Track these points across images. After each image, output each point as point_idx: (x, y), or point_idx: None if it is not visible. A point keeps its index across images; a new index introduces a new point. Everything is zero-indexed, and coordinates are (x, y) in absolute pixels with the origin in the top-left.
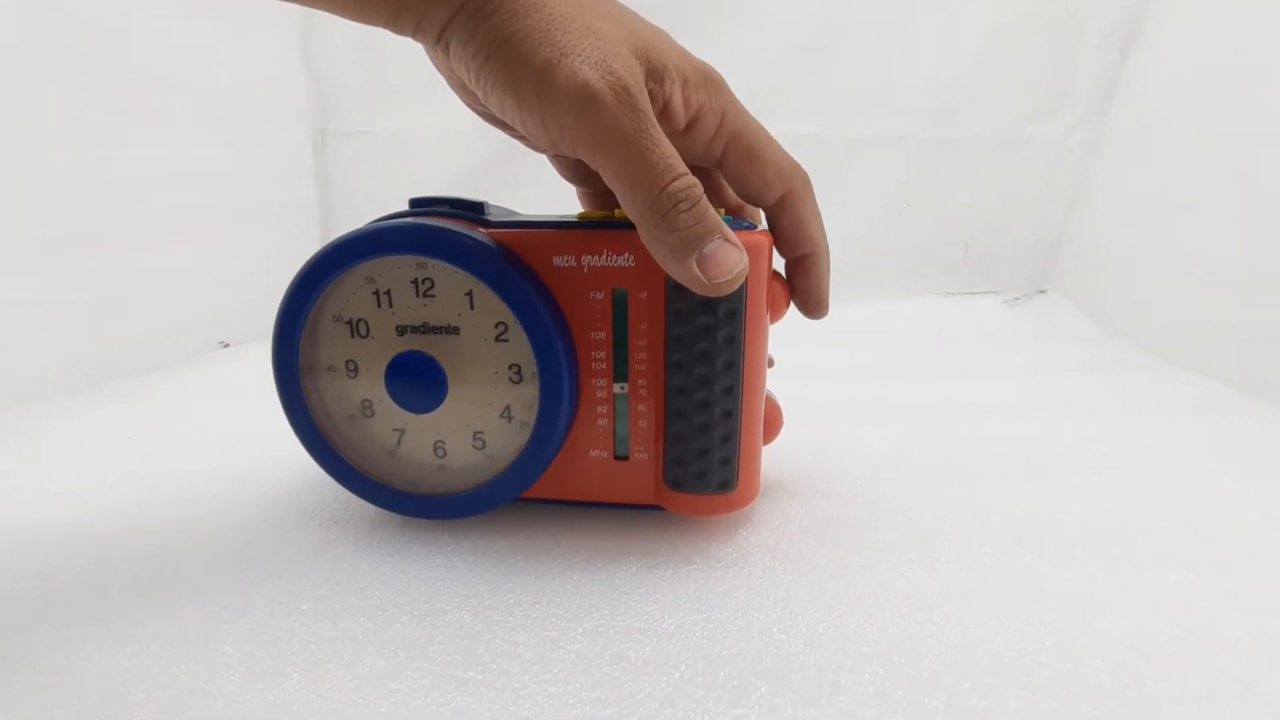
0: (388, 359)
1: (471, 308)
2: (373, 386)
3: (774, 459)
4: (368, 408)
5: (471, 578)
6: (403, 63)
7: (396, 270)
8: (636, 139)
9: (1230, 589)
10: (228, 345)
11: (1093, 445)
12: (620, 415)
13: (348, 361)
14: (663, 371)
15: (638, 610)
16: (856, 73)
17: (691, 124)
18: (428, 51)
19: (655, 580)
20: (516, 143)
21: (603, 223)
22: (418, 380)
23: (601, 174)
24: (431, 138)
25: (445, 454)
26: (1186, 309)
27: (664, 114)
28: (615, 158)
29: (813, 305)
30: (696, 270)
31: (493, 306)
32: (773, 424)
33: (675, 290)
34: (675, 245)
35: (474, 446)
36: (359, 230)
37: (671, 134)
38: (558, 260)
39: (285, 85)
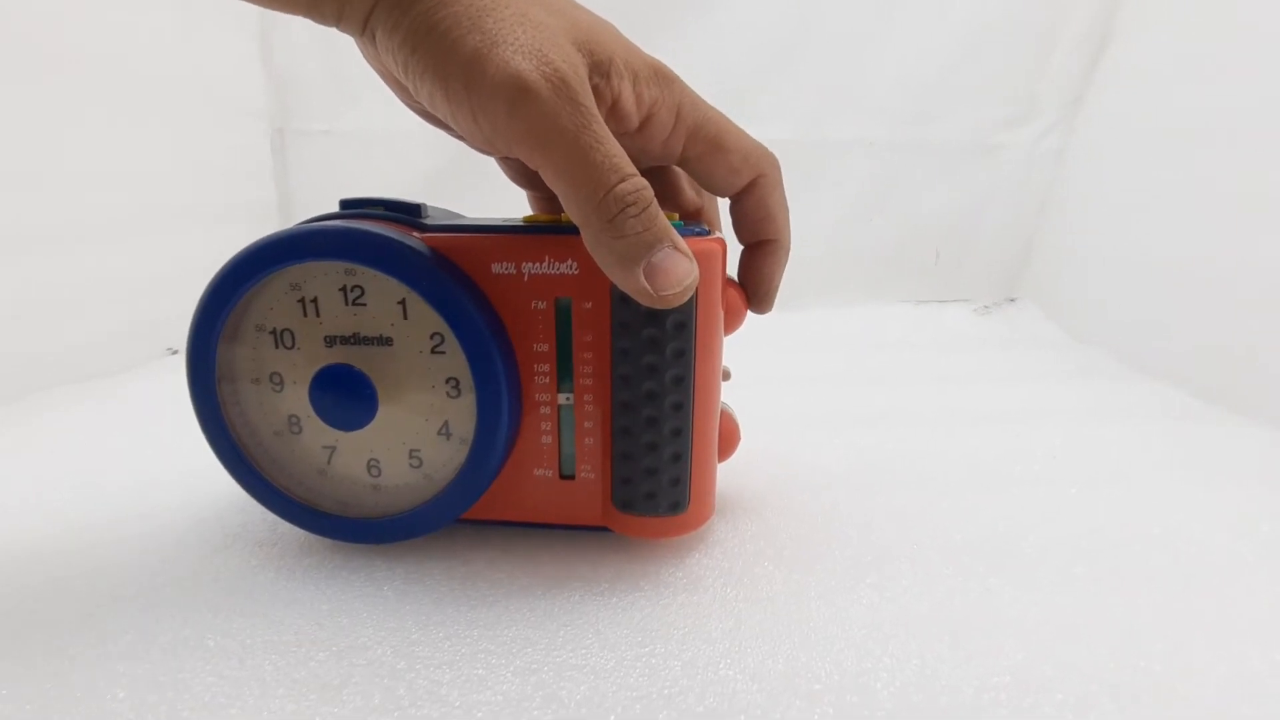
0: (314, 372)
1: (405, 318)
2: (299, 401)
3: (732, 473)
4: (295, 423)
5: (400, 608)
6: (365, 60)
7: (323, 277)
8: (578, 136)
9: (1200, 612)
10: (176, 352)
11: (1058, 456)
12: (565, 432)
13: (273, 374)
14: (609, 386)
15: (575, 643)
16: (825, 75)
17: (646, 122)
18: (357, 44)
19: (598, 609)
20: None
21: (546, 227)
22: (344, 396)
23: (542, 175)
24: (396, 137)
25: (380, 473)
26: (1154, 316)
27: (613, 113)
28: (555, 156)
29: (759, 297)
30: (643, 280)
31: (427, 317)
32: (728, 440)
33: (620, 300)
34: (621, 253)
35: (410, 465)
36: (279, 233)
37: (624, 135)
38: (496, 267)
39: (242, 81)
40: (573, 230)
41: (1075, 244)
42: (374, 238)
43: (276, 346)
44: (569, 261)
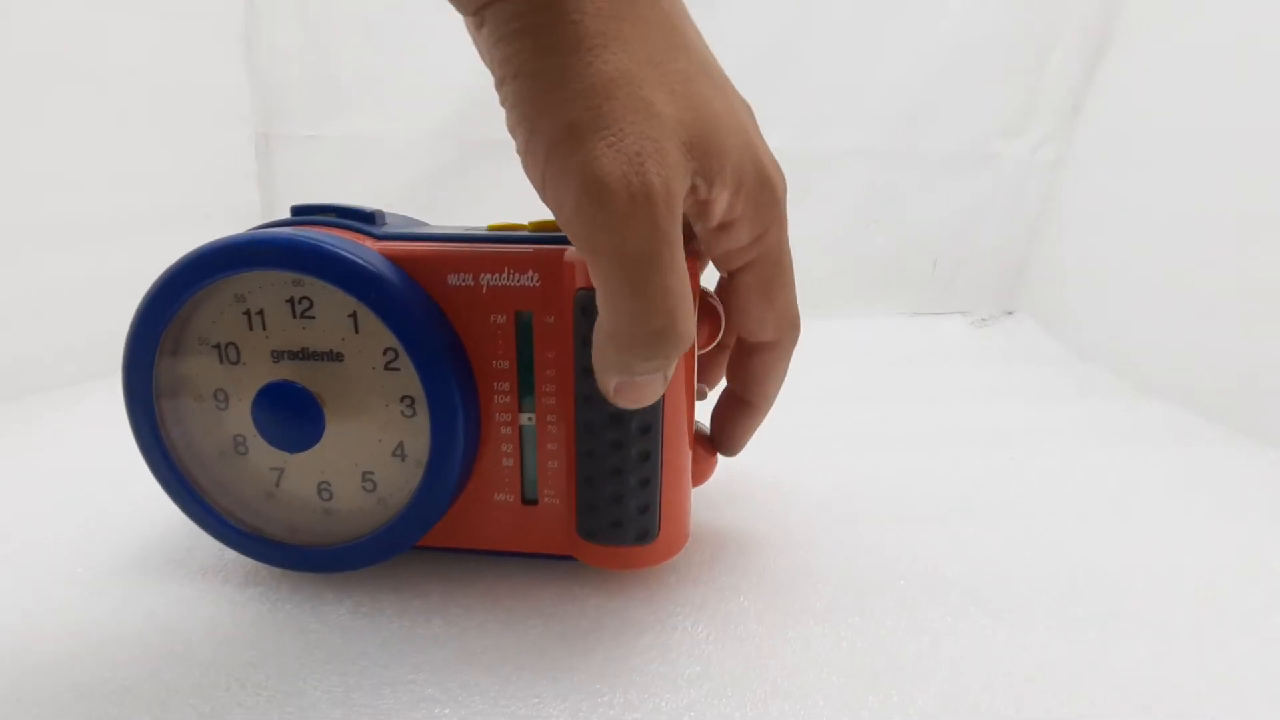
0: (257, 389)
1: (356, 331)
2: (245, 420)
3: (709, 497)
4: (241, 443)
5: (345, 649)
6: (353, 64)
7: (269, 288)
8: (640, 260)
9: (1206, 664)
10: None
11: (1057, 482)
12: (528, 455)
13: (217, 391)
14: (574, 406)
15: (528, 691)
16: (819, 84)
17: (722, 228)
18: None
19: (556, 649)
20: (474, 148)
21: (509, 236)
22: (288, 415)
23: (588, 268)
24: (383, 143)
25: (331, 496)
26: (1155, 331)
27: (697, 210)
28: (606, 269)
29: (725, 445)
30: (610, 387)
31: (379, 331)
32: (704, 464)
33: (583, 314)
34: (612, 366)
35: (364, 488)
36: (219, 241)
37: (692, 225)
38: (453, 279)
39: (226, 84)
40: (536, 240)
41: (1074, 256)
42: (319, 247)
43: (221, 361)
44: (529, 273)
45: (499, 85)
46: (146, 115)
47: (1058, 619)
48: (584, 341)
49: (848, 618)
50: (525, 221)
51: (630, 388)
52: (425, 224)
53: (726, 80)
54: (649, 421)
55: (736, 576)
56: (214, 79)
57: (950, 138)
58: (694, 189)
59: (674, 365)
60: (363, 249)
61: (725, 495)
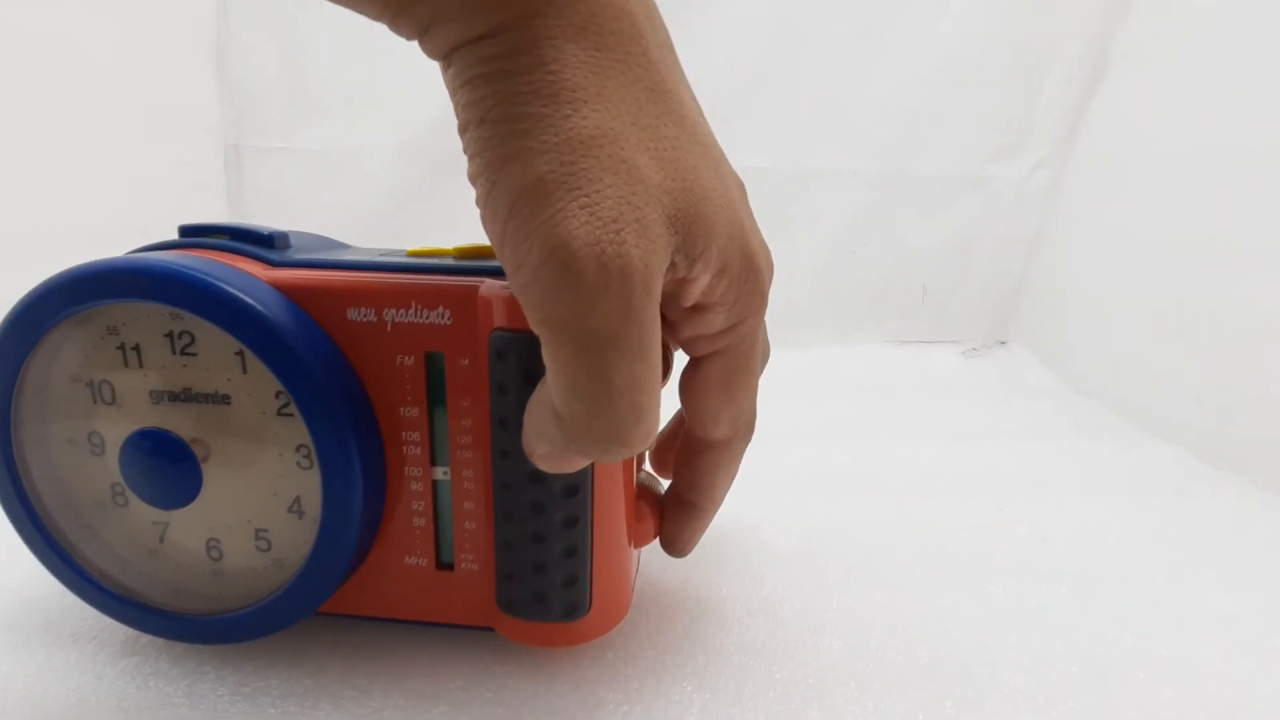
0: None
1: (244, 372)
2: None
3: (658, 555)
4: (120, 493)
5: None
6: (326, 75)
7: (145, 320)
8: (605, 343)
9: None
10: None
11: (1050, 540)
12: (442, 514)
13: (91, 434)
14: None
15: None
16: (806, 102)
17: (697, 309)
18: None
19: None
20: (449, 164)
21: (423, 265)
22: (158, 467)
23: (541, 340)
24: (357, 156)
25: (221, 556)
26: (1157, 366)
27: (671, 288)
28: (563, 348)
29: (671, 547)
30: (536, 452)
31: (270, 372)
32: (650, 522)
33: (498, 358)
34: (543, 439)
35: (257, 548)
36: (84, 266)
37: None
38: (353, 313)
39: (195, 94)
40: (457, 270)
41: (1070, 283)
42: (192, 278)
43: (95, 401)
44: (440, 309)
45: (462, 131)
46: (111, 125)
47: (1049, 718)
48: (500, 388)
49: (805, 710)
50: (450, 247)
51: (559, 460)
52: (345, 246)
53: (721, 155)
54: (576, 483)
55: (682, 656)
56: (182, 88)
57: (942, 159)
58: (672, 266)
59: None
60: (248, 280)
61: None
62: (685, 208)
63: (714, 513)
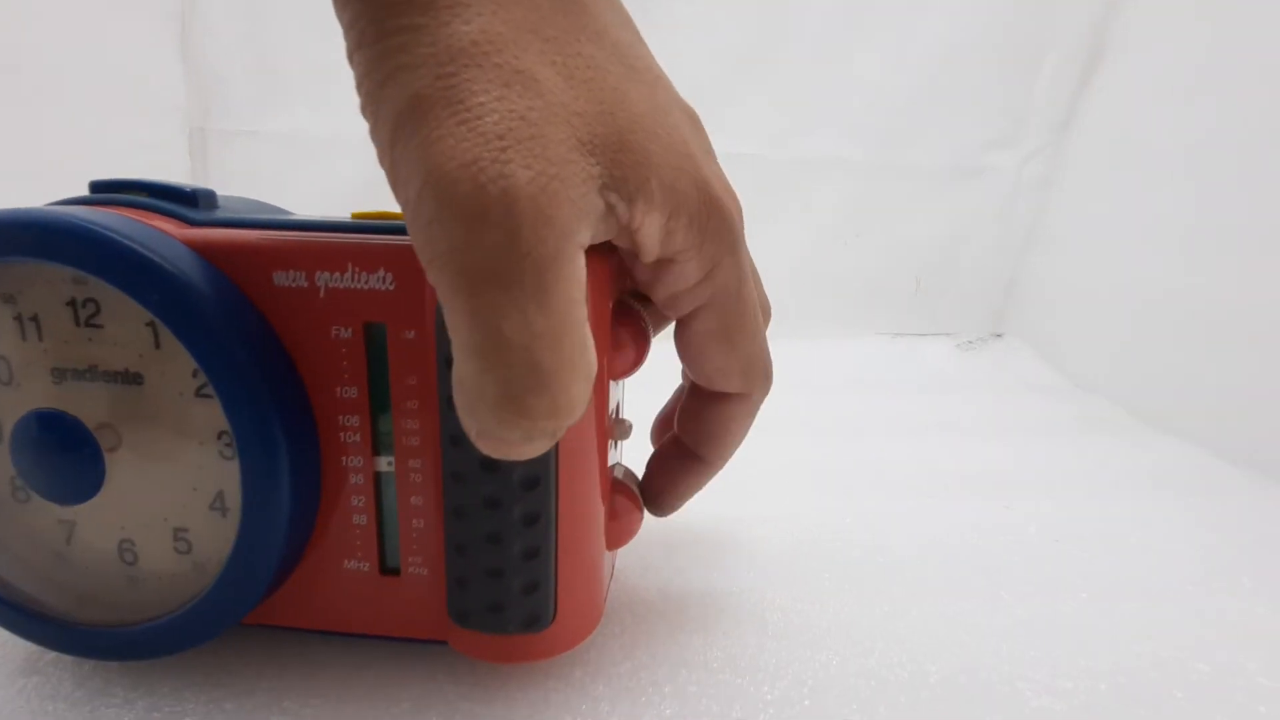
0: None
1: (157, 347)
2: None
3: (640, 548)
4: (20, 488)
5: None
6: (295, 57)
7: (43, 286)
8: (486, 282)
9: None
10: None
11: (1064, 542)
12: (387, 511)
13: None
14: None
15: None
16: (797, 89)
17: (662, 265)
18: None
19: None
20: None
21: (366, 225)
22: (54, 456)
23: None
24: (328, 141)
25: (135, 559)
26: (1159, 358)
27: (625, 242)
28: (446, 294)
29: (658, 501)
30: (472, 432)
31: None
32: (625, 521)
33: (445, 329)
34: (465, 413)
35: (176, 549)
36: None
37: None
38: (280, 278)
39: (158, 74)
40: (396, 230)
41: (1067, 275)
42: (86, 230)
43: None
44: (380, 273)
45: (349, 60)
46: (71, 106)
47: None
48: (449, 364)
49: None
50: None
51: (493, 440)
52: (287, 212)
53: (659, 80)
54: (537, 473)
55: (660, 675)
56: (145, 68)
57: (936, 149)
58: (610, 208)
59: (554, 433)
60: (157, 237)
61: (662, 545)
62: (606, 134)
63: (719, 469)
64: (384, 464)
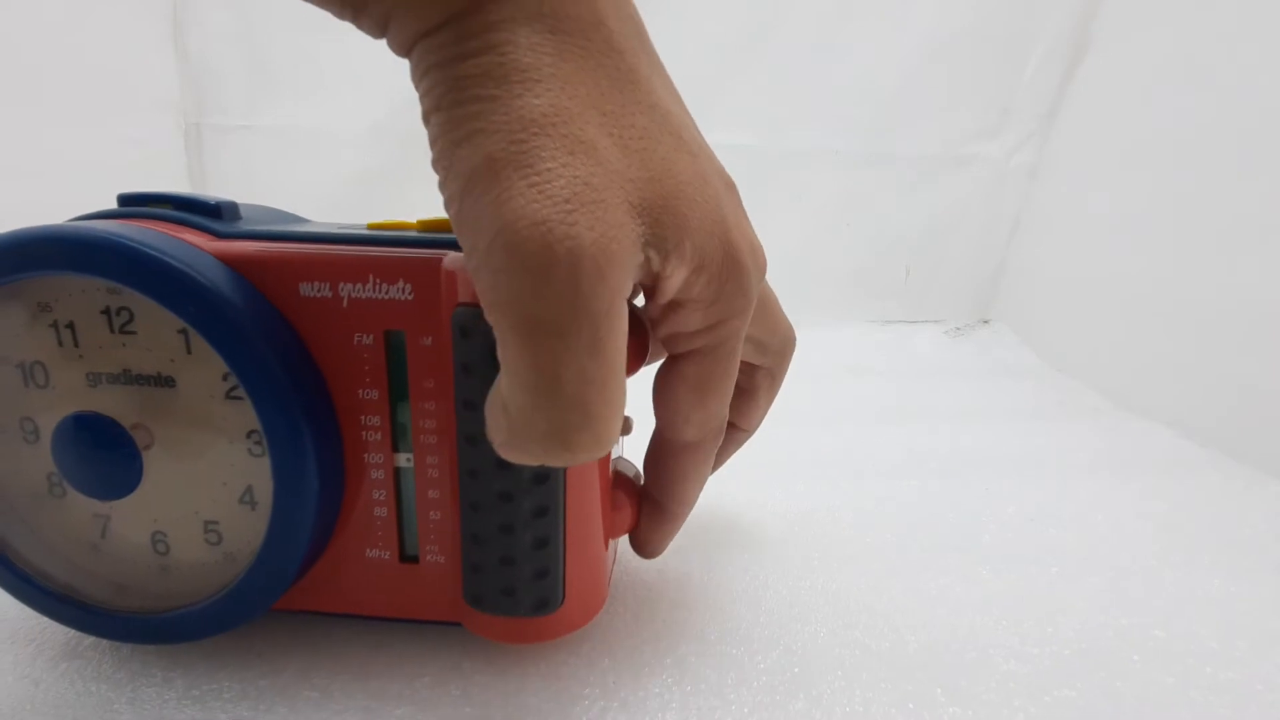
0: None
1: (188, 352)
2: None
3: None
4: (56, 484)
5: None
6: (290, 51)
7: (79, 295)
8: (549, 332)
9: None
10: None
11: (1038, 521)
12: (406, 504)
13: (23, 420)
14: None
15: None
16: (787, 79)
17: (673, 306)
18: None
19: None
20: (418, 143)
21: (383, 237)
22: (93, 455)
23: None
24: (323, 135)
25: (168, 550)
26: (1141, 345)
27: (644, 281)
28: (505, 334)
29: (642, 549)
30: (497, 441)
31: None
32: (624, 513)
33: (463, 336)
34: (499, 431)
35: (207, 541)
36: (6, 235)
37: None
38: (306, 289)
39: (152, 69)
40: (421, 243)
41: (1053, 263)
42: (124, 246)
43: (26, 384)
44: (400, 284)
45: (425, 121)
46: (65, 102)
47: (1038, 707)
48: (465, 368)
49: (791, 701)
50: (413, 220)
51: (520, 456)
52: (302, 220)
53: (702, 150)
54: (546, 470)
55: (662, 648)
56: (140, 64)
57: (924, 138)
58: (647, 261)
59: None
60: (190, 251)
61: None
62: (654, 198)
63: (685, 516)
64: (403, 460)
